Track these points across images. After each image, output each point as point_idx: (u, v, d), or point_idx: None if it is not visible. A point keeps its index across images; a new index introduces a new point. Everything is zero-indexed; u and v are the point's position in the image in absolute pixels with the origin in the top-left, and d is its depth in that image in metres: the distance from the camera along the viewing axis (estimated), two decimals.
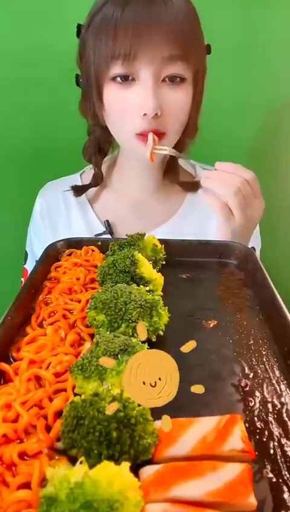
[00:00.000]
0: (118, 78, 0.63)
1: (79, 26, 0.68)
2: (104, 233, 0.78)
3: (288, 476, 0.31)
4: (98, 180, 0.80)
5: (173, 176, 0.79)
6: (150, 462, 0.31)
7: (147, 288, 0.49)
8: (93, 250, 0.62)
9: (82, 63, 0.69)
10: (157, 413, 0.34)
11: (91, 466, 0.28)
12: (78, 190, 0.80)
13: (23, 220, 0.89)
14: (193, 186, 0.81)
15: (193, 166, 0.87)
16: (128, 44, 0.59)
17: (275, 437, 0.34)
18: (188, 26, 0.62)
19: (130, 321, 0.43)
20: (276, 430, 0.35)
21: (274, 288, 0.50)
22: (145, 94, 0.62)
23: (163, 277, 0.53)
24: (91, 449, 0.30)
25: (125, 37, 0.59)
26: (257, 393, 0.39)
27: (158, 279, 0.52)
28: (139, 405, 0.32)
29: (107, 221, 0.79)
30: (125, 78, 0.63)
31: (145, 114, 0.63)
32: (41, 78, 0.97)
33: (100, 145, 0.77)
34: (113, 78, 0.64)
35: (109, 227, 0.78)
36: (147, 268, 0.52)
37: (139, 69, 0.61)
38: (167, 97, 0.64)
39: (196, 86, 0.66)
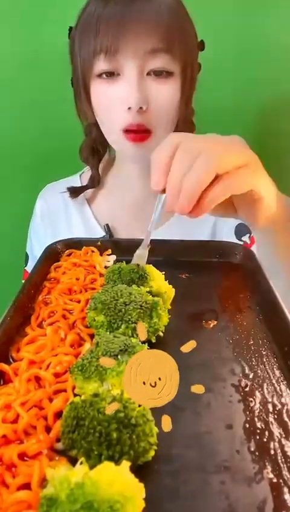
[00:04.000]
0: (103, 74, 0.63)
1: (71, 29, 0.68)
2: (104, 237, 0.78)
3: (289, 476, 0.31)
4: (94, 181, 0.80)
5: None
6: (150, 464, 0.31)
7: (147, 288, 0.49)
8: (92, 251, 0.62)
9: (72, 62, 0.69)
10: (157, 413, 0.34)
11: (91, 467, 0.28)
12: (74, 192, 0.80)
13: (24, 221, 0.89)
14: None
15: None
16: (109, 38, 0.59)
17: (275, 437, 0.34)
18: (172, 19, 0.62)
19: (130, 322, 0.43)
20: (276, 431, 0.35)
21: (274, 288, 0.50)
22: (129, 88, 0.62)
23: (174, 290, 0.51)
24: (91, 450, 0.30)
25: (106, 31, 0.59)
26: (257, 394, 0.39)
27: (168, 292, 0.50)
28: (139, 405, 0.32)
29: (107, 225, 0.78)
30: (110, 74, 0.63)
31: (129, 108, 0.62)
32: (42, 79, 0.97)
33: (96, 146, 0.77)
34: (99, 75, 0.63)
35: (109, 231, 0.78)
36: (156, 282, 0.51)
37: (123, 63, 0.61)
38: (152, 91, 0.63)
39: (184, 80, 0.65)
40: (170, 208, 0.47)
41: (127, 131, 0.65)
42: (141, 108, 0.62)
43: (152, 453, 0.31)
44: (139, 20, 0.59)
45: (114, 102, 0.64)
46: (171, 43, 0.61)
